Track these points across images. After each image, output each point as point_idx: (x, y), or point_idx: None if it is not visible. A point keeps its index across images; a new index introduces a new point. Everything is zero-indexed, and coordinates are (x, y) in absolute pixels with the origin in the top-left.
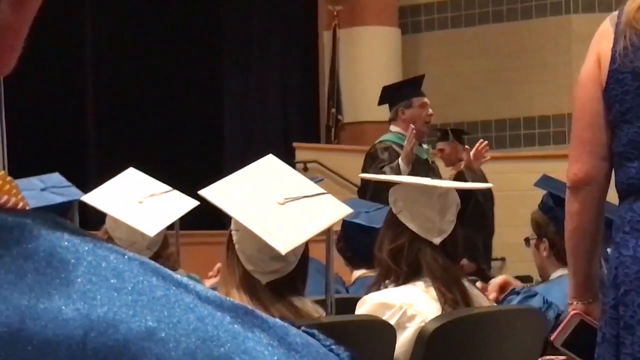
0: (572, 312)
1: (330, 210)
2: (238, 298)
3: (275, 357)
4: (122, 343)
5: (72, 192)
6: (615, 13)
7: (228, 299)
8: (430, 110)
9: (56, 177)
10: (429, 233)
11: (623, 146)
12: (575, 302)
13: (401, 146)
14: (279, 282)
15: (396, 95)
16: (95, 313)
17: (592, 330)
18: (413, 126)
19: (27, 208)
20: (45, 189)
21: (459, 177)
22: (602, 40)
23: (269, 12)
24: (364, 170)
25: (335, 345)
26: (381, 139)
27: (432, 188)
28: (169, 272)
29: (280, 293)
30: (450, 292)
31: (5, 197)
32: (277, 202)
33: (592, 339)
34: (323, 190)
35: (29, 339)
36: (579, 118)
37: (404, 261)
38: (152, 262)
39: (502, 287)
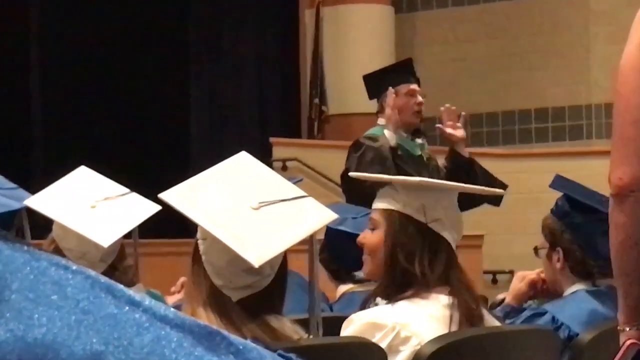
0: (629, 343)
1: (311, 216)
2: (205, 317)
3: None
4: None
5: (18, 195)
6: None
7: (191, 318)
8: (420, 98)
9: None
10: (454, 242)
11: None
12: (628, 329)
13: (391, 144)
14: (253, 299)
15: (381, 83)
16: (32, 335)
17: None
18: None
19: None
20: None
21: (449, 155)
22: None
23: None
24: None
25: None
26: (367, 133)
27: (449, 190)
28: (122, 287)
29: (254, 312)
30: (477, 306)
31: None
32: (251, 207)
33: None
34: (303, 193)
35: None
36: (621, 113)
37: (398, 273)
38: (103, 276)
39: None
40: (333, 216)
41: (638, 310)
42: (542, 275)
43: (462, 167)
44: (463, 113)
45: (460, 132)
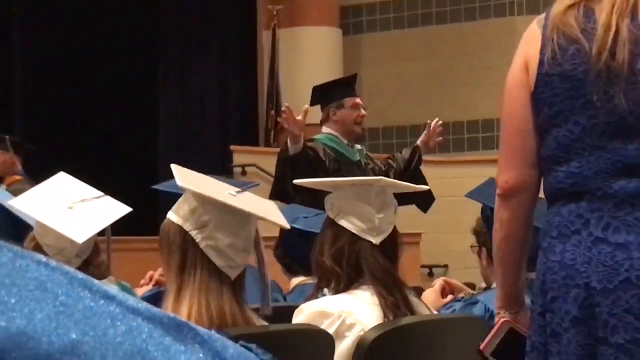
0: (501, 320)
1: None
2: (191, 302)
3: None
4: (44, 357)
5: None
6: (543, 16)
7: (160, 310)
8: (363, 111)
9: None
10: (368, 233)
11: (552, 150)
12: (502, 312)
13: (332, 149)
14: (238, 282)
15: (328, 95)
16: (15, 325)
17: (521, 338)
18: (285, 106)
19: None
20: None
21: (414, 151)
22: (530, 43)
23: (207, 11)
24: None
25: (272, 358)
26: (312, 138)
27: (366, 185)
28: (97, 282)
29: (238, 294)
30: (392, 294)
31: None
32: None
33: (521, 347)
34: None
35: None
36: (507, 125)
37: (345, 263)
38: (79, 272)
39: (444, 291)
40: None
41: (511, 297)
42: (442, 282)
43: (418, 169)
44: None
45: (435, 141)
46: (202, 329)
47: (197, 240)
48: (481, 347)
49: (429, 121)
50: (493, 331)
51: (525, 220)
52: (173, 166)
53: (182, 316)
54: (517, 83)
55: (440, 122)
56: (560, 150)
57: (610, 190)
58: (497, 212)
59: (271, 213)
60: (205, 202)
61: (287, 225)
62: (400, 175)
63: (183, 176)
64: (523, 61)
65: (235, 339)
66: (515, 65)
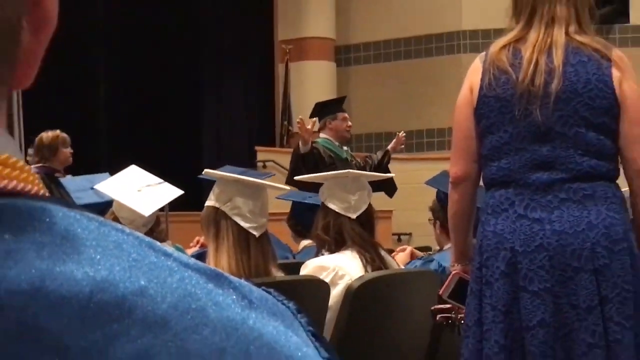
0: (454, 272)
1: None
2: (229, 260)
3: (239, 308)
4: (120, 298)
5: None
6: (483, 53)
7: (204, 265)
8: (350, 123)
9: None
10: (346, 211)
11: (488, 150)
12: (456, 265)
13: (328, 149)
14: (263, 238)
15: (324, 110)
16: (100, 275)
17: (468, 284)
18: (299, 119)
19: (46, 194)
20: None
21: (385, 153)
22: (474, 74)
23: (238, 50)
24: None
25: (285, 300)
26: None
27: (344, 176)
28: (159, 244)
29: (264, 248)
30: (368, 252)
31: (29, 186)
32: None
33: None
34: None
35: (47, 294)
36: (457, 132)
37: (331, 233)
38: (146, 236)
39: (409, 256)
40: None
41: (462, 254)
42: (412, 249)
43: (386, 166)
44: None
45: (398, 147)
46: (234, 278)
47: (226, 212)
48: (440, 292)
49: (397, 132)
50: (447, 280)
51: (470, 200)
52: (205, 170)
53: (219, 269)
54: (464, 102)
55: (404, 134)
56: (494, 151)
57: (529, 180)
58: (450, 195)
59: (271, 183)
60: (227, 182)
61: (286, 187)
62: (374, 169)
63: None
64: (469, 86)
65: (257, 285)
66: (464, 89)
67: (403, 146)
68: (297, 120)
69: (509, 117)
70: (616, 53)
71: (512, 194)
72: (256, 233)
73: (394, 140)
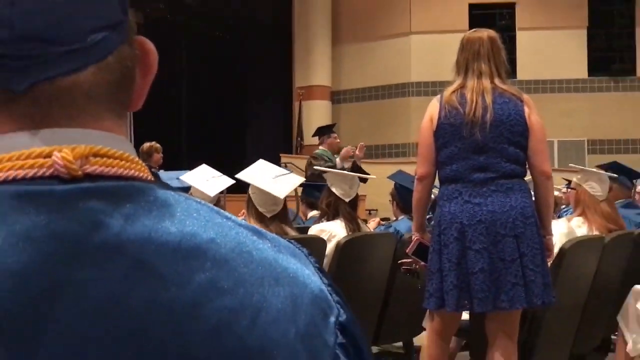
0: (415, 238)
1: (293, 180)
2: (254, 223)
3: (272, 252)
4: (199, 244)
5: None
6: (439, 96)
7: (250, 224)
8: (339, 140)
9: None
10: (344, 196)
11: (443, 159)
12: (416, 233)
13: (327, 157)
14: (276, 216)
15: (322, 132)
16: (186, 230)
17: (426, 247)
18: (357, 146)
19: (153, 179)
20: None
21: (354, 165)
22: (433, 109)
23: (270, 92)
24: (308, 166)
25: (301, 247)
26: (315, 152)
27: (344, 175)
28: (222, 211)
29: (275, 221)
30: (352, 223)
31: (142, 174)
32: (272, 178)
33: (426, 251)
34: (289, 172)
35: (152, 241)
36: (421, 146)
37: (331, 209)
38: (215, 207)
39: (377, 223)
40: (301, 179)
41: (421, 226)
42: (377, 220)
43: (359, 169)
44: (362, 144)
45: (361, 156)
46: (268, 232)
47: (251, 197)
48: (407, 250)
49: (360, 144)
50: (412, 243)
51: (428, 192)
52: (237, 176)
53: None
54: (427, 127)
55: (364, 144)
56: (448, 159)
57: (471, 178)
58: (415, 187)
59: (278, 189)
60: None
61: (281, 195)
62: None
63: (246, 174)
64: (429, 117)
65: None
66: (426, 118)
67: (360, 153)
68: (353, 147)
69: (458, 136)
70: (525, 96)
71: (460, 187)
72: (267, 214)
73: (357, 148)
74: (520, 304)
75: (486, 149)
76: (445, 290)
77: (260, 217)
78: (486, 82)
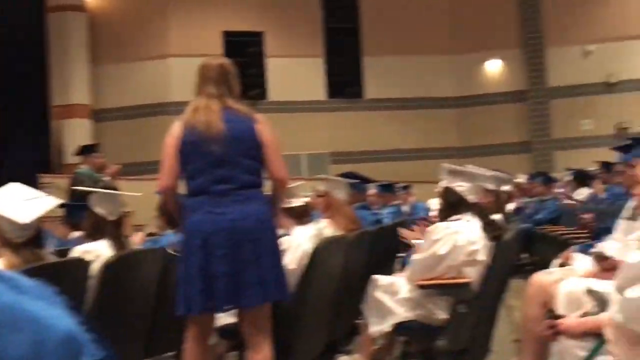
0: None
1: (46, 204)
2: (4, 252)
3: (11, 294)
4: None
5: None
6: (181, 116)
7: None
8: (102, 159)
9: None
10: (108, 215)
11: (189, 173)
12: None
13: (89, 176)
14: (28, 241)
15: (84, 151)
16: None
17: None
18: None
19: None
20: None
21: (109, 185)
22: (175, 128)
23: (26, 111)
24: (72, 186)
25: (49, 285)
26: (77, 171)
27: (108, 195)
28: None
29: (30, 246)
30: (117, 242)
31: None
32: (21, 201)
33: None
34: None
35: None
36: (165, 160)
37: (96, 228)
38: None
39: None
40: (56, 202)
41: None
42: (142, 234)
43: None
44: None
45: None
46: (6, 273)
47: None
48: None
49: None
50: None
51: (174, 202)
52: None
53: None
54: (170, 143)
55: (121, 166)
56: (193, 172)
57: (214, 190)
58: (161, 199)
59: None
60: None
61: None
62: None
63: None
64: (173, 135)
65: (35, 269)
66: (169, 136)
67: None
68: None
69: (199, 152)
70: (258, 115)
71: (204, 199)
72: (20, 240)
73: (112, 170)
74: (257, 301)
75: (224, 163)
76: (192, 295)
77: (10, 245)
78: (216, 103)
